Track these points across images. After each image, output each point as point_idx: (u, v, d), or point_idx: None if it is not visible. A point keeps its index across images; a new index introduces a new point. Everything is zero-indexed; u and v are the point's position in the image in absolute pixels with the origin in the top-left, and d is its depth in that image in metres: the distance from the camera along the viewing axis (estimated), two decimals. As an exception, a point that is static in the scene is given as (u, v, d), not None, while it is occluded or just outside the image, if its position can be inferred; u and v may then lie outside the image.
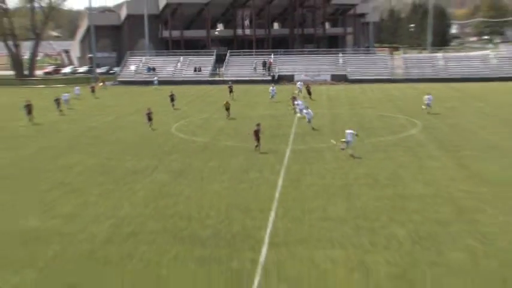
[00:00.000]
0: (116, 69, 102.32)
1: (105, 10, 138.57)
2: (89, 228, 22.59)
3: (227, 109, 49.25)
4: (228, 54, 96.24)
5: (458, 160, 32.62)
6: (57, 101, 57.35)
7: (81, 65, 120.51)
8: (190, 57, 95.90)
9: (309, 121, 43.45)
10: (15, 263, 19.70)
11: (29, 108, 50.96)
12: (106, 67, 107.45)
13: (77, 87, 70.02)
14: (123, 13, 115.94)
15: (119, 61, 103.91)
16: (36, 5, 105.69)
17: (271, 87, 63.48)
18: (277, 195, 26.40)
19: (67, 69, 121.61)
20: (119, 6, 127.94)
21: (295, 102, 50.67)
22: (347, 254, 19.20)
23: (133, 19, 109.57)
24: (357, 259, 18.75)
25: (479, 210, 23.47)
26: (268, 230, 21.66)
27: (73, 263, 19.34)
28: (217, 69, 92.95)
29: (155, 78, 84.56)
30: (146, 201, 25.92)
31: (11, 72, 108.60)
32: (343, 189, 27.16)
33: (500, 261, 18.23)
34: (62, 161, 34.90)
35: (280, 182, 28.67)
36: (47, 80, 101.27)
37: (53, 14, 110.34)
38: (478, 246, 19.60)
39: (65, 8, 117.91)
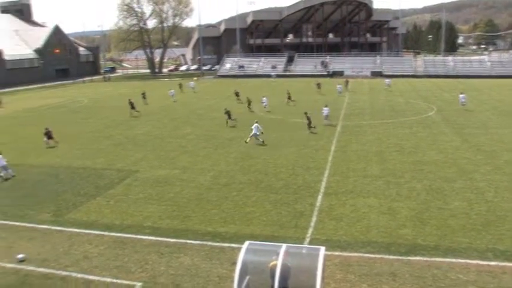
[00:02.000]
0: (216, 67, 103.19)
1: (209, 26, 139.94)
2: (197, 178, 23.16)
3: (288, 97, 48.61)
4: (295, 56, 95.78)
5: (462, 135, 31.36)
6: (180, 86, 59.29)
7: (192, 64, 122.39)
8: (269, 58, 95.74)
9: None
10: (151, 197, 20.56)
11: (143, 96, 52.96)
12: (209, 65, 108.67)
13: (191, 82, 69.90)
14: (222, 27, 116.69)
15: (218, 61, 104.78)
16: (164, 25, 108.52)
17: (338, 86, 57.48)
18: (330, 158, 26.19)
19: (183, 68, 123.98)
20: (219, 23, 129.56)
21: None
22: (379, 202, 18.99)
23: (229, 31, 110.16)
24: (387, 205, 18.55)
25: (475, 171, 22.83)
26: (323, 183, 21.60)
27: (187, 201, 19.95)
28: (288, 67, 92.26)
29: (273, 73, 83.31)
30: (236, 161, 26.26)
31: (148, 70, 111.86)
32: (378, 155, 26.65)
33: (487, 207, 18.04)
34: (179, 131, 35.74)
35: (332, 148, 28.40)
36: (170, 75, 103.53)
37: (175, 30, 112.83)
38: (472, 197, 19.28)
39: (183, 26, 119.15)
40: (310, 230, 16.39)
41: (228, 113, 37.83)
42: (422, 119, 38.29)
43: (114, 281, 13.46)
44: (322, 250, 11.29)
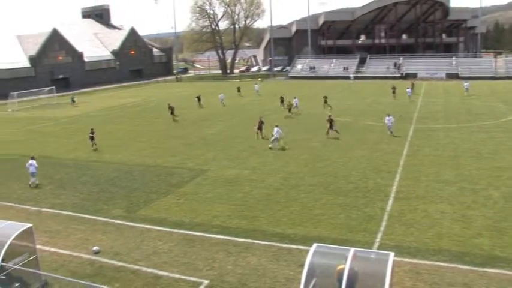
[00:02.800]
0: (287, 68, 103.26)
1: (281, 27, 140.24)
2: (267, 179, 23.37)
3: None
4: (367, 57, 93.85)
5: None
6: (238, 89, 59.86)
7: (263, 66, 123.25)
8: (340, 60, 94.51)
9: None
10: (221, 196, 21.01)
11: (198, 99, 52.45)
12: (280, 67, 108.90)
13: (256, 85, 68.69)
14: (293, 29, 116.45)
15: (289, 62, 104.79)
16: (236, 26, 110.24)
17: (407, 89, 53.74)
18: (401, 161, 25.49)
19: (254, 69, 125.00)
20: (291, 24, 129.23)
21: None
22: (453, 208, 18.24)
23: (300, 32, 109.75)
24: (461, 212, 17.79)
25: None
26: (394, 187, 21.09)
27: (256, 201, 20.19)
28: (360, 68, 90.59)
29: (351, 75, 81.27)
30: (306, 162, 26.22)
31: (219, 71, 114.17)
32: (452, 160, 25.57)
33: None
34: (249, 132, 36.11)
35: (404, 152, 27.61)
36: (241, 76, 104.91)
37: (247, 31, 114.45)
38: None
39: (254, 27, 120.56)
40: (379, 235, 16.08)
41: (171, 108, 40.28)
42: (501, 123, 36.23)
43: (182, 277, 13.90)
44: (392, 256, 11.03)
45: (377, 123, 36.87)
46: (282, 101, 47.92)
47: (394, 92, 53.58)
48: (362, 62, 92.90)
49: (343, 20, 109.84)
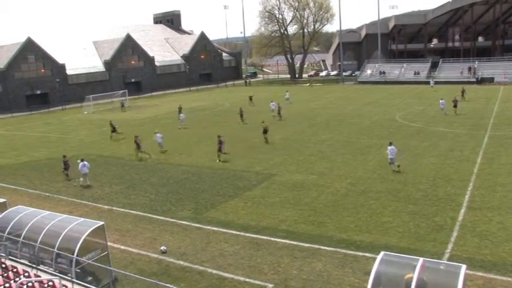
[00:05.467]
0: (356, 73, 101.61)
1: (350, 31, 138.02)
2: (334, 184, 23.15)
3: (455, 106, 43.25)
4: (440, 61, 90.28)
5: None
6: (250, 98, 58.13)
7: (332, 70, 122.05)
8: (411, 64, 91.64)
9: None
10: (288, 201, 21.07)
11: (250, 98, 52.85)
12: (349, 71, 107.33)
13: (287, 92, 65.07)
14: (363, 33, 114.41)
15: (359, 67, 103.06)
16: (305, 31, 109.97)
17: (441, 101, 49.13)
18: (475, 170, 24.27)
19: (323, 73, 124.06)
20: (360, 28, 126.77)
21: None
22: (532, 221, 17.11)
23: (370, 37, 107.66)
24: (541, 226, 16.64)
25: None
26: (467, 196, 20.16)
27: (323, 207, 20.06)
28: (432, 73, 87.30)
29: (432, 80, 74.94)
30: (374, 168, 25.66)
31: (288, 76, 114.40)
32: (532, 169, 24.01)
33: None
34: (318, 137, 35.97)
35: (478, 160, 26.26)
36: (309, 80, 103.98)
37: (316, 36, 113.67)
38: None
39: (323, 31, 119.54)
40: (450, 246, 15.45)
41: (112, 125, 39.62)
42: None
43: (247, 280, 14.09)
44: (463, 268, 10.58)
45: (449, 129, 35.44)
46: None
47: (462, 95, 52.32)
48: (434, 66, 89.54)
49: (415, 23, 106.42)
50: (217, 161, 29.52)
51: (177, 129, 43.30)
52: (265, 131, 34.37)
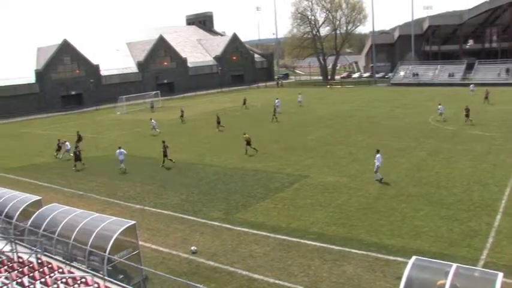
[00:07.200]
0: (389, 74, 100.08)
1: (383, 32, 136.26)
2: (365, 187, 22.83)
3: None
4: (476, 63, 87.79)
5: None
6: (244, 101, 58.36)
7: (365, 72, 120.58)
8: (446, 66, 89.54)
9: None
10: (319, 203, 20.90)
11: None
12: (382, 73, 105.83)
13: (299, 95, 65.80)
14: (396, 34, 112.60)
15: (392, 69, 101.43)
16: (337, 32, 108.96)
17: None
18: (512, 174, 23.51)
19: (356, 75, 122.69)
20: (393, 29, 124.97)
21: None
22: None
23: (403, 38, 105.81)
24: None
25: None
26: (503, 202, 19.52)
27: (354, 209, 19.80)
28: (467, 75, 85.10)
29: (472, 84, 69.75)
30: (407, 172, 25.19)
31: (320, 77, 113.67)
32: None
33: None
34: (350, 139, 35.58)
35: (515, 164, 25.44)
36: (342, 82, 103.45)
37: (348, 37, 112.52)
38: None
39: (356, 33, 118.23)
40: (485, 252, 14.97)
41: (79, 136, 38.23)
42: None
43: (277, 281, 14.00)
44: (500, 276, 10.20)
45: (484, 132, 34.45)
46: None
47: (486, 97, 51.24)
48: (469, 68, 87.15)
49: (450, 24, 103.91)
50: (161, 166, 29.55)
51: (208, 130, 43.55)
52: (248, 143, 31.95)
